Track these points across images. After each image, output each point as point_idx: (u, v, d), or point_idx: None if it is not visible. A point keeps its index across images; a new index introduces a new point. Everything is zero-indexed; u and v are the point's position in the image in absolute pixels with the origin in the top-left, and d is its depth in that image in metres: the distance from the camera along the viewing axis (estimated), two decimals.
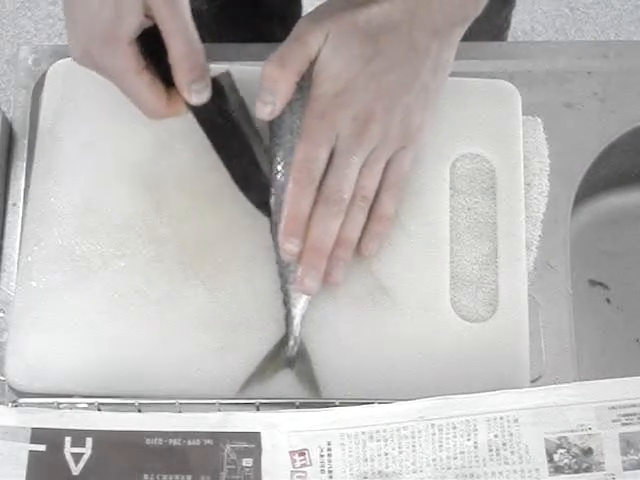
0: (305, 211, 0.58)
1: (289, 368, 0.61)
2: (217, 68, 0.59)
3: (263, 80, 0.58)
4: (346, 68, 0.58)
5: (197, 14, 0.97)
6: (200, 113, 0.60)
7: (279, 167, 0.61)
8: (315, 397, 0.60)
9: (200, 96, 0.57)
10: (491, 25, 0.98)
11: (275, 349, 0.61)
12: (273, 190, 0.61)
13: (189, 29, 0.56)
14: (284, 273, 0.61)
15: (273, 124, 0.61)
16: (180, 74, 0.56)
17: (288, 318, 0.61)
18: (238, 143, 0.61)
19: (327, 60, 0.58)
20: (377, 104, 0.58)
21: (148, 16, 0.55)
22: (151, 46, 0.56)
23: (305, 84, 0.59)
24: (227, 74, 0.60)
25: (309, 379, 0.61)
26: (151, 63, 0.57)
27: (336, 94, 0.58)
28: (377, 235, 0.62)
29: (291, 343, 0.61)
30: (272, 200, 0.62)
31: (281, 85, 0.58)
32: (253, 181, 0.62)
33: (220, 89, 0.59)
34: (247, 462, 0.57)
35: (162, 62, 0.57)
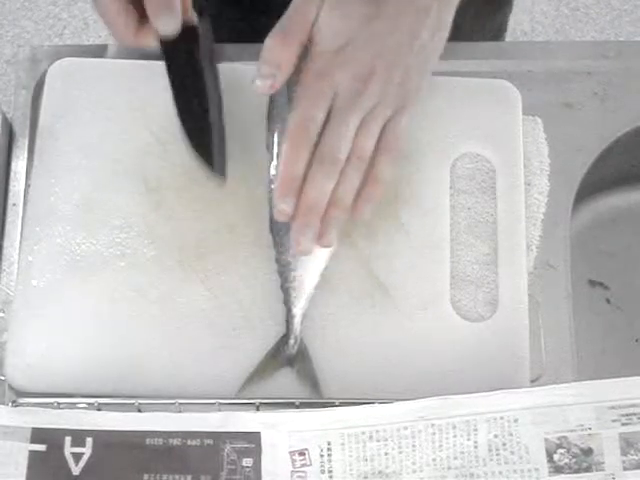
0: (300, 171, 0.57)
1: (289, 367, 0.61)
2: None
3: (264, 53, 0.57)
4: (346, 26, 0.57)
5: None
6: (167, 51, 0.61)
7: (277, 148, 0.61)
8: (316, 395, 0.60)
9: (166, 28, 0.59)
10: (484, 31, 0.98)
11: (275, 348, 0.61)
12: (269, 186, 0.61)
13: None
14: (284, 272, 0.61)
15: (270, 104, 0.61)
16: (149, 3, 0.58)
17: (288, 317, 0.61)
18: (194, 91, 0.62)
19: (326, 19, 0.57)
20: (377, 63, 0.57)
21: None
22: None
23: (304, 63, 0.59)
24: (205, 21, 0.61)
25: (309, 378, 0.61)
26: None
27: (335, 52, 0.57)
28: (371, 198, 0.59)
29: (291, 342, 0.61)
30: (270, 190, 0.61)
31: (283, 55, 0.57)
32: (199, 129, 0.62)
33: (193, 35, 0.61)
34: (247, 462, 0.57)
35: None
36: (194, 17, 0.61)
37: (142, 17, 0.60)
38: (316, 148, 0.57)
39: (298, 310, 0.61)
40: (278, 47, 0.57)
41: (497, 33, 1.05)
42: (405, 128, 0.60)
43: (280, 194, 0.57)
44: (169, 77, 0.62)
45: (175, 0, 0.58)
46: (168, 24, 0.59)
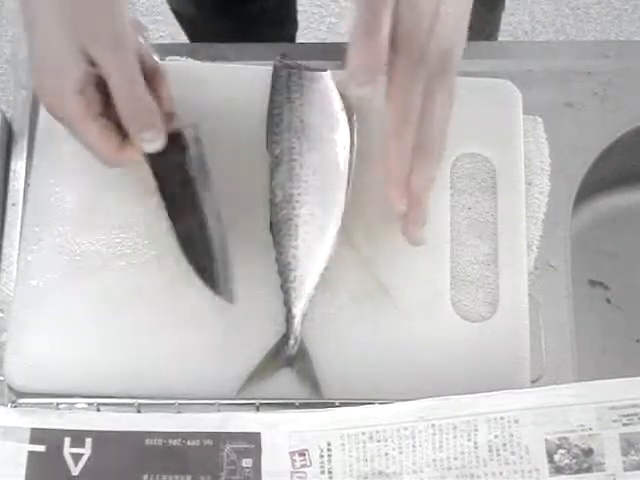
0: (406, 173, 0.57)
1: (289, 367, 0.61)
2: (218, 68, 0.59)
3: (353, 57, 0.52)
4: (426, 2, 0.52)
5: (189, 19, 0.96)
6: (155, 164, 0.59)
7: (276, 165, 0.61)
8: (316, 396, 0.60)
9: (152, 145, 0.56)
10: (472, 32, 0.98)
11: (275, 348, 0.61)
12: (273, 183, 0.61)
13: (133, 77, 0.54)
14: (284, 272, 0.61)
15: (272, 124, 0.61)
16: (126, 123, 0.55)
17: (288, 317, 0.61)
18: (188, 203, 0.61)
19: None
20: (458, 37, 0.55)
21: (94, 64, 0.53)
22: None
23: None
24: (193, 127, 0.60)
25: (310, 378, 0.61)
26: (108, 107, 0.55)
27: (429, 28, 0.53)
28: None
29: (291, 342, 0.61)
30: (270, 196, 0.62)
31: (374, 57, 0.52)
32: (195, 244, 0.61)
33: (181, 142, 0.59)
34: (247, 462, 0.57)
35: None
36: (177, 122, 0.59)
37: (124, 136, 0.56)
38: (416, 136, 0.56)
39: (298, 310, 0.61)
40: (367, 48, 0.52)
41: (490, 33, 1.05)
42: None
43: (397, 196, 0.58)
44: (159, 190, 0.60)
45: (156, 116, 0.55)
46: (153, 142, 0.56)
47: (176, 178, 0.60)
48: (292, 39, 1.13)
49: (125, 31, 0.53)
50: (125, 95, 0.54)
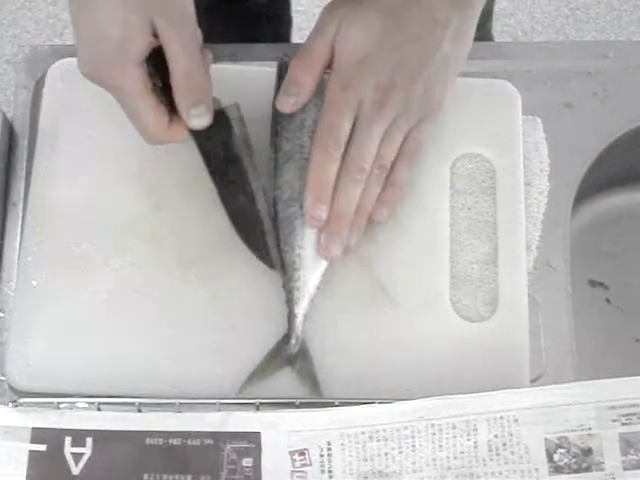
0: (331, 178, 0.59)
1: (290, 366, 0.61)
2: (218, 68, 0.59)
3: (289, 73, 0.60)
4: (366, 39, 0.58)
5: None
6: (202, 142, 0.59)
7: (285, 162, 0.61)
8: (316, 395, 0.60)
9: (200, 121, 0.57)
10: None
11: (276, 347, 0.61)
12: (280, 181, 0.61)
13: (193, 52, 0.55)
14: (288, 271, 0.61)
15: (283, 120, 0.62)
16: (180, 96, 0.56)
17: (290, 316, 0.61)
18: (237, 179, 0.61)
19: (346, 32, 0.58)
20: (398, 74, 0.58)
21: (156, 36, 0.55)
22: (161, 67, 0.56)
23: (320, 87, 0.60)
24: (236, 106, 0.60)
25: (310, 377, 0.61)
26: (158, 84, 0.56)
27: (358, 63, 0.58)
28: (389, 202, 0.62)
29: (293, 342, 0.61)
30: (274, 194, 0.62)
31: (306, 77, 0.59)
32: (247, 220, 0.62)
33: (226, 121, 0.59)
34: (247, 462, 0.57)
35: (169, 84, 0.56)
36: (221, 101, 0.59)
37: (171, 112, 0.57)
38: (344, 157, 0.59)
39: (300, 310, 0.61)
40: (302, 68, 0.59)
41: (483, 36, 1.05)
42: (425, 137, 0.62)
43: (313, 201, 0.59)
44: (207, 168, 0.61)
45: (207, 92, 0.57)
46: (202, 118, 0.57)
47: (222, 155, 0.60)
48: (287, 36, 1.13)
49: (191, 5, 0.56)
50: (183, 68, 0.55)
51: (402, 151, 0.61)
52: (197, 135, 0.59)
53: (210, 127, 0.58)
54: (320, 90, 0.60)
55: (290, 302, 0.61)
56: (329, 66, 0.60)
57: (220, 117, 0.58)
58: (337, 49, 0.59)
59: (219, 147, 0.60)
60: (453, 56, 0.60)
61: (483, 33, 1.04)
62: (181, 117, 0.57)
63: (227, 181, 0.61)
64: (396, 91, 0.58)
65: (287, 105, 0.60)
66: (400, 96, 0.59)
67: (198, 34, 0.57)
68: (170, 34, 0.54)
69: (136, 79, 0.55)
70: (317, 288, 0.61)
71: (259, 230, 0.61)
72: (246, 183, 0.61)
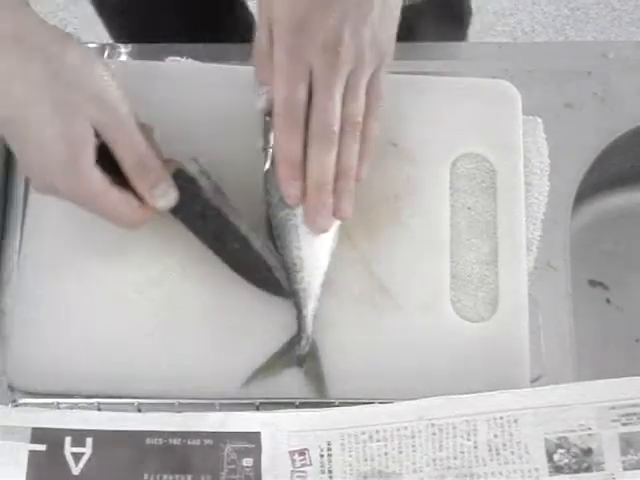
0: (297, 153, 0.57)
1: (299, 366, 0.61)
2: (216, 67, 0.59)
3: (254, 75, 0.59)
4: (298, 2, 0.56)
5: (147, 8, 0.93)
6: (174, 209, 0.59)
7: (272, 165, 0.61)
8: (321, 396, 0.60)
9: (165, 199, 0.58)
10: (446, 12, 0.97)
11: (286, 347, 0.61)
12: (268, 185, 0.61)
13: (138, 140, 0.56)
14: (290, 274, 0.61)
15: (269, 120, 0.61)
16: (137, 184, 0.57)
17: (299, 317, 0.61)
18: (223, 230, 0.61)
19: (279, 2, 0.56)
20: (342, 28, 0.56)
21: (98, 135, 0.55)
22: (108, 156, 0.56)
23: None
24: (194, 161, 0.60)
25: (317, 377, 0.61)
26: (112, 171, 0.56)
27: (298, 28, 0.56)
28: (367, 157, 0.60)
29: (303, 342, 0.61)
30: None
31: (268, 70, 0.57)
32: (250, 264, 0.62)
33: (190, 180, 0.59)
34: (247, 462, 0.57)
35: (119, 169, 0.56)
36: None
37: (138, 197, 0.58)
38: (307, 128, 0.57)
39: (309, 310, 0.61)
40: (261, 64, 0.58)
41: (465, 19, 1.04)
42: (384, 81, 0.60)
43: (285, 179, 0.57)
44: (191, 230, 0.61)
45: (161, 171, 0.57)
46: (166, 196, 0.58)
47: (199, 213, 0.60)
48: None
49: (120, 89, 0.56)
50: (132, 158, 0.56)
51: (367, 103, 0.59)
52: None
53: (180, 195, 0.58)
54: None
55: (298, 304, 0.61)
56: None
57: (183, 179, 0.59)
58: (275, 15, 0.56)
59: (193, 208, 0.60)
60: None
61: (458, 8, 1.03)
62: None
63: (215, 236, 0.61)
64: (344, 46, 0.56)
65: (263, 103, 0.58)
66: (350, 50, 0.56)
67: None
68: (112, 131, 0.55)
69: (94, 182, 0.55)
70: (322, 286, 0.61)
71: (265, 268, 0.61)
72: (235, 230, 0.61)
